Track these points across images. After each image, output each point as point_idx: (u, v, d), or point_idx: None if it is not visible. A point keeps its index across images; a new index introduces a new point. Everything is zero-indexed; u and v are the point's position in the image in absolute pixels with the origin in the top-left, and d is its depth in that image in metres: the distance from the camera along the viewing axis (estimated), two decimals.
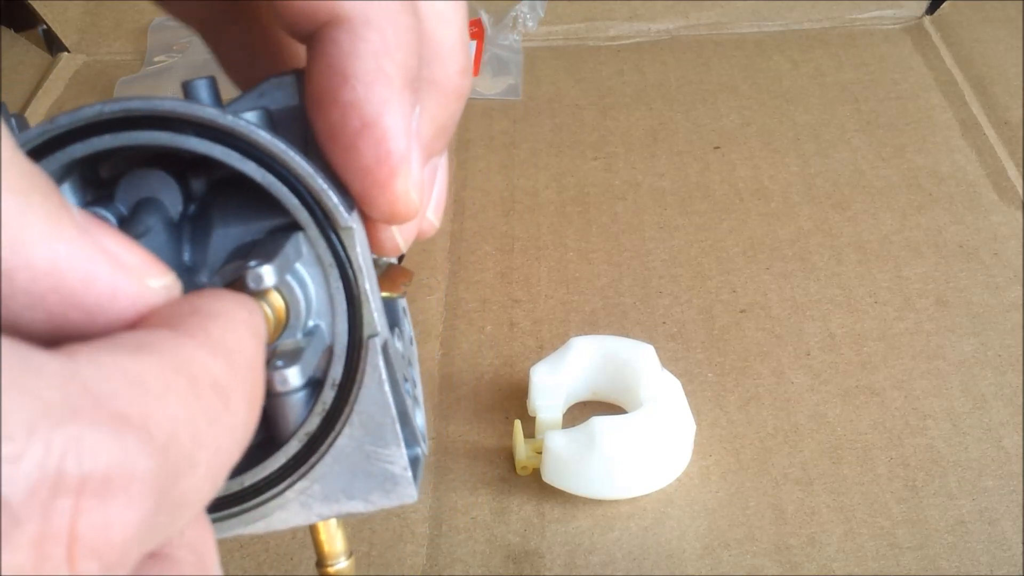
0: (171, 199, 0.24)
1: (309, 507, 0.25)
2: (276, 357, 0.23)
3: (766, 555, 0.45)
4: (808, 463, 0.49)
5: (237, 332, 0.19)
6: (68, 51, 0.79)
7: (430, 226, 0.29)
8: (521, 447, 0.47)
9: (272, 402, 0.24)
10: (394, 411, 0.25)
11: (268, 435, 0.25)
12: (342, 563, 0.26)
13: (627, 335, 0.51)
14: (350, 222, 0.23)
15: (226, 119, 0.22)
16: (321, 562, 0.26)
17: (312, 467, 0.24)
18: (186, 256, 0.24)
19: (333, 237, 0.23)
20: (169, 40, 0.78)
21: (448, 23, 0.25)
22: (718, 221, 0.62)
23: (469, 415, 0.51)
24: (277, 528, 0.25)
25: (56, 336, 0.18)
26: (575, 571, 0.45)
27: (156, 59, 0.77)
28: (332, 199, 0.23)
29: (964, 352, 0.53)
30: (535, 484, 0.47)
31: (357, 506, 0.25)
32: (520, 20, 0.77)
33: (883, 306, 0.56)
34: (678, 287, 0.58)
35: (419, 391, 0.30)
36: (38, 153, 0.22)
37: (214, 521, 0.24)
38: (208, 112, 0.22)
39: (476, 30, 0.77)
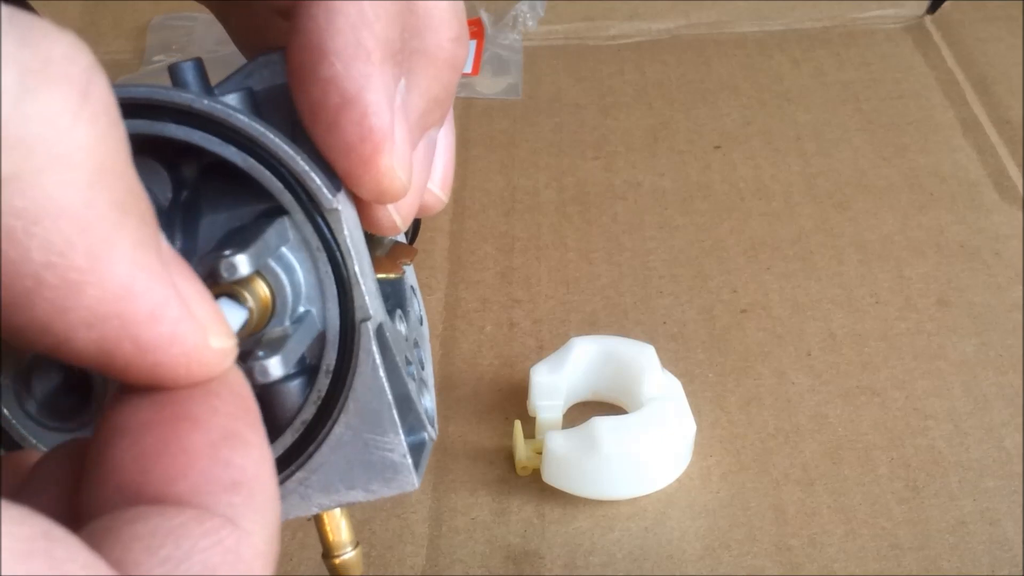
0: (160, 187, 0.24)
1: (308, 498, 0.24)
2: (259, 347, 0.22)
3: (767, 556, 0.45)
4: (809, 464, 0.48)
5: (271, 505, 0.18)
6: None
7: (436, 200, 0.28)
8: (521, 447, 0.47)
9: (266, 390, 0.24)
10: (390, 397, 0.24)
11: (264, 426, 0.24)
12: (348, 553, 0.26)
13: (627, 335, 0.51)
14: (335, 204, 0.22)
15: (201, 103, 0.22)
16: (327, 552, 0.26)
17: (309, 457, 0.24)
18: (178, 244, 0.23)
19: (319, 220, 0.23)
20: (168, 39, 0.78)
21: None
22: (719, 221, 0.62)
23: (469, 415, 0.51)
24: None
25: (99, 360, 0.17)
26: (575, 572, 0.44)
27: (155, 58, 0.77)
28: (315, 181, 0.22)
29: (965, 352, 0.53)
30: (535, 484, 0.47)
31: (357, 496, 0.24)
32: (520, 19, 0.77)
33: (884, 306, 0.56)
34: (679, 287, 0.58)
35: (428, 372, 0.30)
36: None
37: None
38: (183, 97, 0.22)
39: (476, 30, 0.77)
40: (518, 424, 0.48)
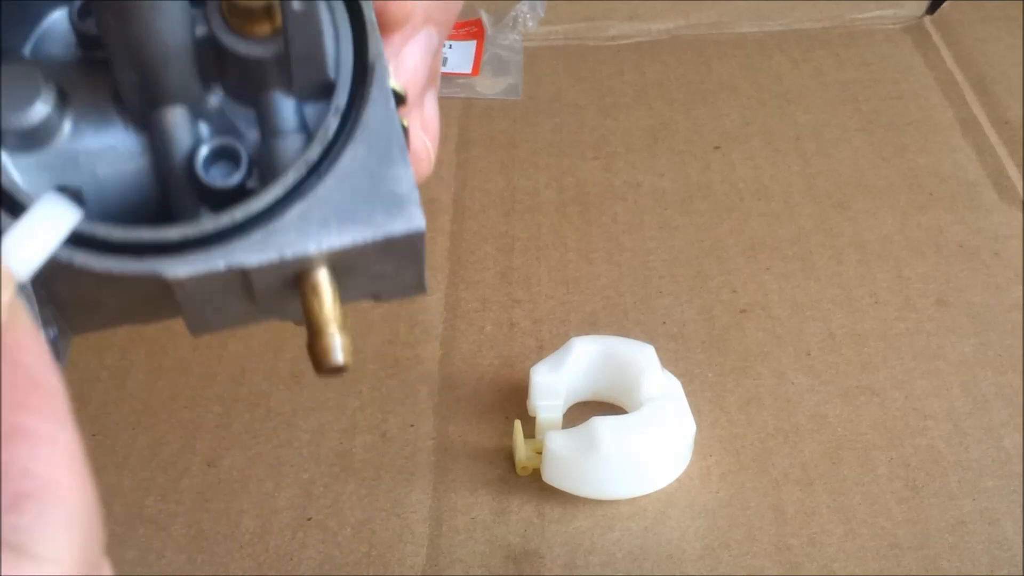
0: None
1: (306, 232, 0.23)
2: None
3: (766, 555, 0.45)
4: (808, 463, 0.48)
5: (78, 515, 0.14)
6: None
7: (423, 149, 0.28)
8: (521, 447, 0.47)
9: (270, 145, 0.24)
10: (399, 127, 0.24)
11: (265, 179, 0.24)
12: (336, 336, 0.23)
13: (627, 335, 0.51)
14: None
15: None
16: (312, 333, 0.23)
17: (312, 188, 0.23)
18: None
19: None
20: None
21: None
22: (718, 221, 0.62)
23: (469, 415, 0.51)
24: (271, 257, 0.22)
25: None
26: (575, 571, 0.45)
27: None
28: None
29: (965, 352, 0.53)
30: (535, 484, 0.47)
31: (360, 232, 0.23)
32: (520, 20, 0.77)
33: (883, 306, 0.56)
34: (678, 287, 0.58)
35: None
36: None
37: (202, 252, 0.22)
38: None
39: (476, 30, 0.77)
40: (518, 424, 0.48)
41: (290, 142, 0.24)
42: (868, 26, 0.78)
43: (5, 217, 0.22)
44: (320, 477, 0.48)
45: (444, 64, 0.74)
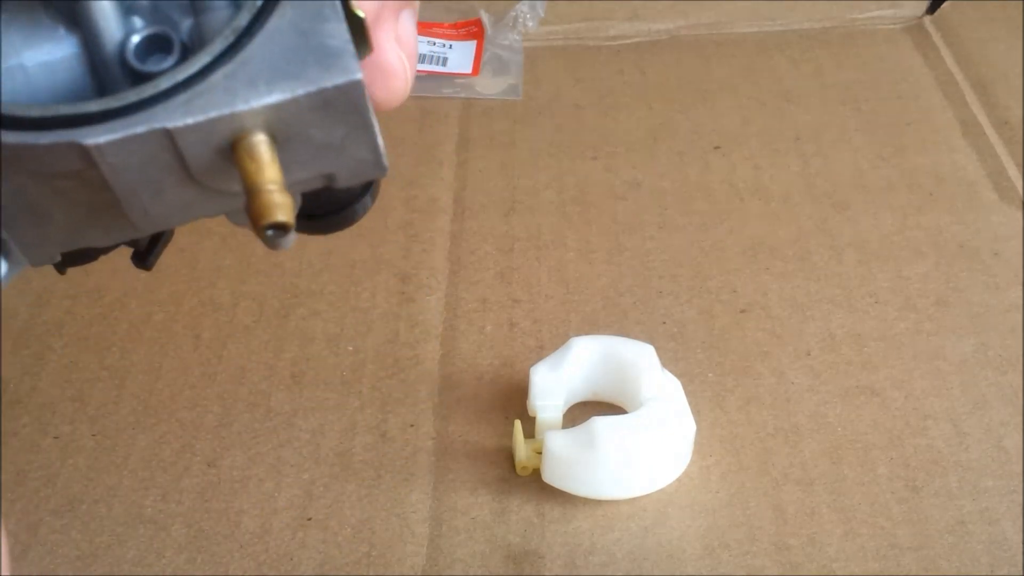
0: None
1: (233, 92, 0.22)
2: None
3: (766, 555, 0.45)
4: (808, 463, 0.48)
5: None
6: None
7: (399, 63, 0.27)
8: (521, 447, 0.47)
9: (199, 22, 0.23)
10: None
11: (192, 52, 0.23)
12: (275, 193, 0.22)
13: (627, 335, 0.51)
14: None
15: None
16: (249, 193, 0.22)
17: (239, 50, 0.22)
18: None
19: None
20: None
21: None
22: (718, 221, 0.62)
23: (469, 415, 0.51)
24: (197, 119, 0.22)
25: None
26: (575, 571, 0.45)
27: None
28: None
29: (964, 352, 0.53)
30: (535, 484, 0.47)
31: (291, 86, 0.22)
32: (520, 20, 0.77)
33: (883, 306, 0.56)
34: (678, 287, 0.58)
35: None
36: None
37: (123, 119, 0.22)
38: None
39: (476, 30, 0.77)
40: (518, 424, 0.48)
41: (220, 15, 0.23)
42: (868, 26, 0.78)
43: None
44: (320, 477, 0.48)
45: (444, 64, 0.75)
